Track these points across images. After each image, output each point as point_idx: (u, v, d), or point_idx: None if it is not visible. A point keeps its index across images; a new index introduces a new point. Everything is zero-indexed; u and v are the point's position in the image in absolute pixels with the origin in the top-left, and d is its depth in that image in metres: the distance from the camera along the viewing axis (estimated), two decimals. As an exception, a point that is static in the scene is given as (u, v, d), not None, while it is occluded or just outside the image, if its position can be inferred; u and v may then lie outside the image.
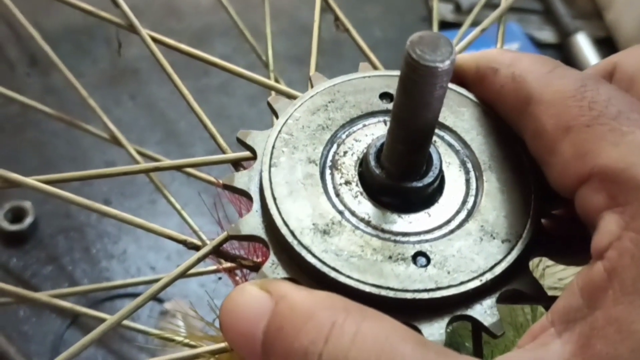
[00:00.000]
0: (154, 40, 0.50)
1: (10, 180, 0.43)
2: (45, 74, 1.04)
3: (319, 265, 0.32)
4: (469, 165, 0.38)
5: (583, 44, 1.34)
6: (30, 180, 0.43)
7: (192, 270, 0.61)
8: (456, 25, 1.26)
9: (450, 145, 0.39)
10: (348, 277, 0.32)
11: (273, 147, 0.37)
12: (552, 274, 0.50)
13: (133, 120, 1.01)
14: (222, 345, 0.42)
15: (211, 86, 1.04)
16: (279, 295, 0.29)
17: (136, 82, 1.05)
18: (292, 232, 0.34)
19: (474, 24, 0.56)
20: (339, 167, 0.38)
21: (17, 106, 0.97)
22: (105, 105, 0.73)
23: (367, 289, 0.32)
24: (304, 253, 0.33)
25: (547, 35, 1.33)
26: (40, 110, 0.77)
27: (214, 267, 0.54)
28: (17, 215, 0.91)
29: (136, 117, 1.01)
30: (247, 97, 1.02)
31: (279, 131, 0.38)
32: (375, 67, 0.49)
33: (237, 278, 0.51)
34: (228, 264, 0.51)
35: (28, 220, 0.90)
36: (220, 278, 0.59)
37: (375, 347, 0.25)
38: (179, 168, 0.50)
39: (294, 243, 0.33)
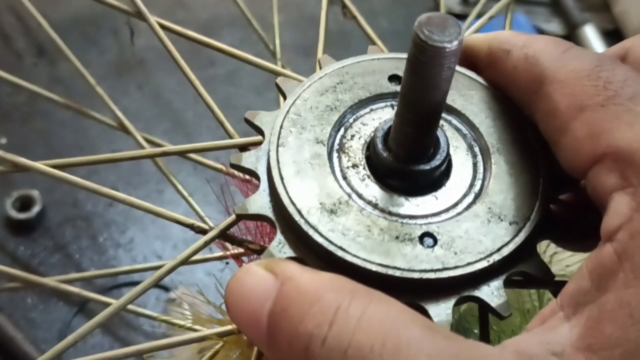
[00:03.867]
0: (162, 27, 0.50)
1: (19, 164, 0.43)
2: (52, 64, 1.05)
3: (325, 244, 0.33)
4: (476, 149, 0.38)
5: (591, 36, 1.34)
6: (38, 165, 0.43)
7: (199, 257, 0.61)
8: (463, 17, 1.26)
9: (457, 129, 0.39)
10: (355, 256, 0.33)
11: (281, 127, 0.38)
12: (559, 260, 0.50)
13: (140, 110, 1.01)
14: (229, 327, 0.42)
15: (217, 76, 1.05)
16: (285, 277, 0.29)
17: (143, 73, 1.06)
18: (299, 211, 0.34)
19: (480, 16, 0.56)
20: (346, 151, 0.38)
21: (25, 96, 0.99)
22: (113, 96, 0.74)
23: (374, 268, 0.32)
24: (310, 232, 0.33)
25: (554, 27, 1.32)
26: (48, 98, 0.78)
27: (220, 254, 0.54)
28: (25, 204, 0.92)
29: (143, 107, 1.02)
30: (254, 88, 1.03)
31: (287, 111, 0.38)
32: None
33: (244, 264, 0.51)
34: (235, 250, 0.51)
35: (36, 209, 0.91)
36: (227, 263, 0.59)
37: (381, 332, 0.25)
38: (186, 153, 0.50)
39: (301, 222, 0.34)
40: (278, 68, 0.50)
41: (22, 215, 0.91)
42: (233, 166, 0.38)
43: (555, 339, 0.26)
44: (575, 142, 0.31)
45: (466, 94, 0.40)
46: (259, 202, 0.36)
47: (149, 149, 0.57)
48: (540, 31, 1.19)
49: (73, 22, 1.10)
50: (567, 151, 0.32)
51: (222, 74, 1.05)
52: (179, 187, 0.63)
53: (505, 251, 0.33)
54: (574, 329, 0.26)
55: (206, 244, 0.40)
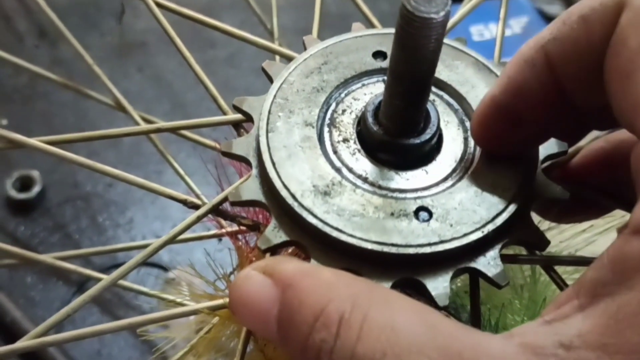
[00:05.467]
0: (159, 5, 0.51)
1: (15, 141, 0.43)
2: (53, 46, 1.04)
3: (320, 225, 0.33)
4: (467, 124, 0.39)
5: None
6: (33, 141, 0.43)
7: (194, 235, 0.62)
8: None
9: (448, 104, 0.40)
10: (350, 235, 0.33)
11: (269, 112, 0.38)
12: (552, 237, 0.51)
13: (140, 91, 1.01)
14: (221, 302, 0.43)
15: (218, 59, 1.04)
16: (284, 284, 0.29)
17: (143, 55, 1.05)
18: (292, 195, 0.35)
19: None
20: (337, 125, 0.38)
21: (26, 78, 0.99)
22: (113, 78, 0.74)
23: (370, 246, 0.33)
24: (305, 214, 0.34)
25: (556, 9, 1.30)
26: (48, 78, 0.79)
27: (216, 231, 0.55)
28: (25, 184, 0.91)
29: (144, 89, 1.02)
30: (254, 70, 1.02)
31: (274, 96, 0.39)
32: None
33: (240, 243, 0.51)
34: (230, 229, 0.51)
35: (36, 189, 0.90)
36: (220, 240, 0.60)
37: (381, 340, 0.25)
38: (180, 129, 0.51)
39: (295, 205, 0.34)
40: (274, 46, 0.50)
41: (22, 195, 0.90)
42: (224, 154, 0.39)
43: (565, 329, 0.25)
44: (634, 100, 0.28)
45: (451, 65, 0.40)
46: (252, 188, 0.36)
47: (144, 126, 0.58)
48: (542, 13, 1.17)
49: (74, 4, 1.09)
50: (621, 102, 0.29)
51: (222, 56, 1.04)
52: (175, 165, 0.63)
53: (500, 220, 0.34)
54: (587, 320, 0.25)
55: (199, 218, 0.40)
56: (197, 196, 0.59)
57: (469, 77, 0.40)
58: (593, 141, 0.43)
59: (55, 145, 0.44)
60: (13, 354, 0.38)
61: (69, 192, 0.92)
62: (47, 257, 0.63)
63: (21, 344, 0.38)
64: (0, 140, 0.45)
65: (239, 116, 0.42)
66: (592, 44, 0.30)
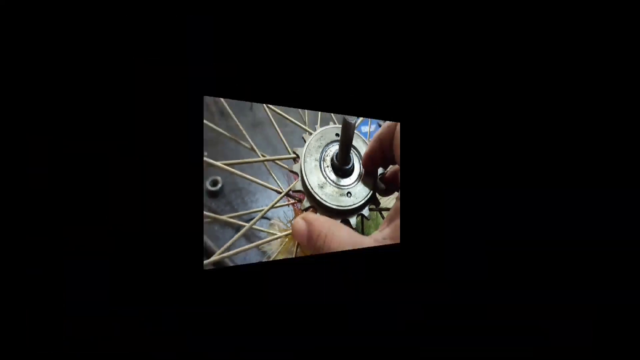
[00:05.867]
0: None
1: (210, 164, 0.95)
2: (227, 120, 1.29)
3: (320, 200, 0.99)
4: (360, 161, 1.03)
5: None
6: (218, 163, 0.98)
7: (280, 204, 1.35)
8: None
9: (356, 154, 1.09)
10: (330, 203, 1.01)
11: (304, 154, 0.96)
12: (384, 202, 1.22)
13: (259, 146, 1.29)
14: (289, 232, 1.06)
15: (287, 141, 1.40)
16: (309, 223, 0.92)
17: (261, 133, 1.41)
18: (312, 187, 0.97)
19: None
20: (325, 160, 1.02)
21: (215, 133, 1.24)
22: (249, 134, 1.17)
23: (334, 206, 1.03)
24: (316, 196, 0.91)
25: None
26: (223, 134, 1.25)
27: (287, 202, 1.17)
28: (214, 182, 1.31)
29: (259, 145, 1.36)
30: (300, 141, 1.34)
31: (305, 149, 1.00)
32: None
33: (295, 207, 1.14)
34: (292, 201, 1.12)
35: (219, 185, 1.30)
36: (289, 206, 1.20)
37: (341, 240, 0.95)
38: (275, 160, 1.10)
39: (313, 192, 0.95)
40: (289, 156, 0.97)
41: (213, 188, 1.30)
42: (290, 171, 0.85)
43: (383, 233, 1.07)
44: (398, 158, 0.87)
45: (356, 140, 1.10)
46: (299, 184, 0.96)
47: (262, 158, 1.16)
48: (380, 125, 1.50)
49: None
50: (396, 157, 0.91)
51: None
52: (272, 174, 1.16)
53: (368, 197, 1.07)
54: (388, 230, 1.04)
55: (282, 197, 1.02)
56: (280, 187, 1.17)
57: (361, 145, 1.05)
58: (392, 168, 1.12)
59: (228, 166, 0.89)
60: (209, 264, 0.82)
61: (233, 186, 1.33)
62: (224, 217, 1.16)
63: (212, 258, 0.84)
64: (205, 164, 0.85)
65: (294, 155, 0.95)
66: (389, 141, 0.92)
